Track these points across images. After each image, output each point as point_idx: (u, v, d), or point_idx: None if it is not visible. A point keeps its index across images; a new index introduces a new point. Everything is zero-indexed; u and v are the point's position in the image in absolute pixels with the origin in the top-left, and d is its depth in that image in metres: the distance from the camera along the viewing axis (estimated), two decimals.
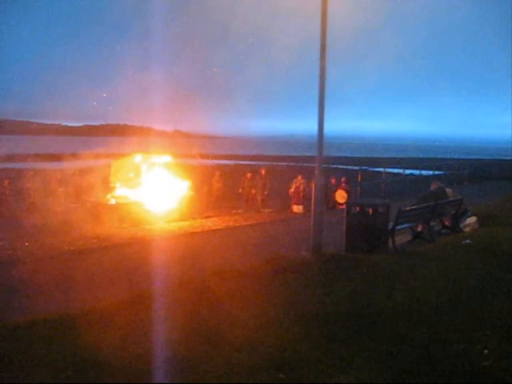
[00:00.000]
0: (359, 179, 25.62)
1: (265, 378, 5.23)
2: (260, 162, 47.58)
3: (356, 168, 33.71)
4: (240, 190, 23.83)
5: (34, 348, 6.01)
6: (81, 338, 6.30)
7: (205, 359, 5.65)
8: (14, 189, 22.28)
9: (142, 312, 7.15)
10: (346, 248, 11.85)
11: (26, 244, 13.86)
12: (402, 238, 13.35)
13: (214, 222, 18.69)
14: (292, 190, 23.46)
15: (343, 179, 24.01)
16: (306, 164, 47.16)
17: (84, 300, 8.22)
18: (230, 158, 71.08)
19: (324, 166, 12.21)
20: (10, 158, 45.72)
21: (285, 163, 55.63)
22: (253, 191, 23.56)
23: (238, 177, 25.55)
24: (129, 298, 7.82)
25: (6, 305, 8.28)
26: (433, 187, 15.35)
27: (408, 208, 13.07)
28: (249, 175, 24.04)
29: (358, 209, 11.97)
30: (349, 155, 77.77)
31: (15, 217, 19.24)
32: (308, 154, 70.07)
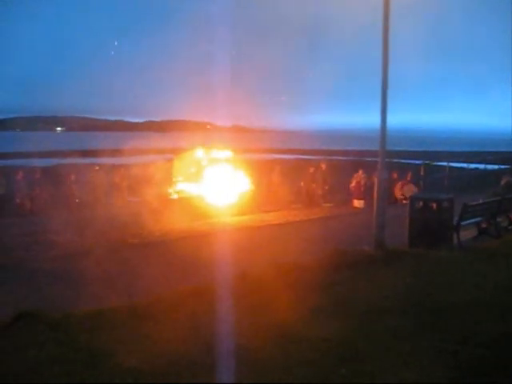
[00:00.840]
0: (422, 173, 25.11)
1: (325, 372, 5.20)
2: (320, 156, 47.23)
3: (418, 162, 33.07)
4: (301, 184, 23.76)
5: (99, 337, 6.17)
6: (144, 328, 6.43)
7: (265, 352, 5.67)
8: (79, 183, 22.89)
9: (204, 303, 7.23)
10: (409, 243, 11.66)
11: (90, 237, 14.23)
12: (466, 234, 13.02)
13: (273, 217, 18.70)
14: (353, 184, 23.24)
15: (409, 174, 23.60)
16: (366, 158, 46.63)
17: (148, 291, 8.37)
18: (290, 152, 70.98)
19: (386, 160, 12.04)
20: (74, 153, 47.05)
21: (345, 157, 55.15)
22: (313, 185, 23.46)
23: (297, 171, 25.50)
24: (191, 289, 7.93)
25: (73, 295, 8.53)
26: (503, 182, 14.92)
27: (473, 203, 12.74)
28: (311, 170, 23.96)
29: (421, 203, 11.75)
30: (410, 149, 76.32)
31: (80, 210, 19.81)
32: (368, 148, 69.31)
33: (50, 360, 5.55)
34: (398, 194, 22.75)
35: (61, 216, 18.06)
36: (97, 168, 24.03)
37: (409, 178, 23.36)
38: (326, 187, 23.70)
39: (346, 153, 67.68)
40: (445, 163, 29.79)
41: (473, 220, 12.86)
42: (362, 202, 22.39)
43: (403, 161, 45.96)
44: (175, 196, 20.85)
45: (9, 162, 48.87)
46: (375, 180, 11.94)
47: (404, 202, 21.35)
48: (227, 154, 23.27)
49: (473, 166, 33.16)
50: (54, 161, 47.21)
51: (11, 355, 5.73)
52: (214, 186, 21.16)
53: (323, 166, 24.37)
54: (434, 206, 11.58)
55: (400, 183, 22.96)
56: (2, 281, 9.69)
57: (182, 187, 21.50)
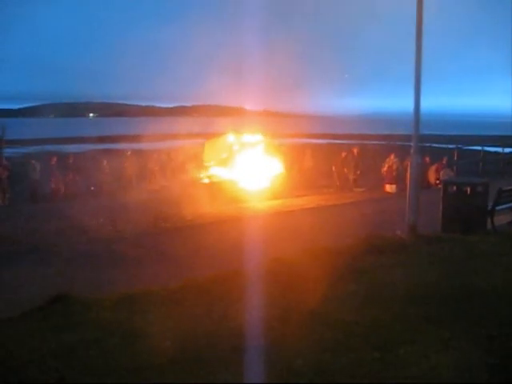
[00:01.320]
0: (455, 158, 24.76)
1: (360, 356, 5.19)
2: (351, 141, 46.97)
3: (451, 146, 32.59)
4: (333, 169, 23.67)
5: (134, 320, 6.25)
6: (178, 311, 6.49)
7: (299, 336, 5.67)
8: (113, 169, 23.13)
9: (236, 288, 7.26)
10: (442, 228, 11.52)
11: (123, 221, 14.40)
12: (501, 219, 12.81)
13: (305, 201, 18.68)
14: (385, 169, 23.07)
15: (445, 158, 23.30)
16: (398, 142, 46.12)
17: (181, 274, 8.45)
18: (322, 136, 70.62)
19: (419, 144, 11.89)
20: (105, 139, 47.46)
21: (377, 142, 54.63)
22: (345, 170, 23.34)
23: (329, 156, 25.38)
24: (224, 273, 7.97)
25: (109, 278, 8.66)
26: None
27: (509, 187, 12.52)
28: (343, 154, 23.85)
29: (455, 188, 11.59)
30: (443, 133, 75.30)
31: (112, 195, 20.04)
32: (401, 133, 68.56)
33: (86, 342, 5.64)
34: (431, 178, 22.50)
35: (93, 201, 18.34)
36: (129, 153, 24.21)
37: (444, 162, 23.06)
38: (358, 172, 23.55)
39: (377, 137, 67.03)
40: (479, 147, 29.32)
41: (508, 205, 12.64)
42: (393, 186, 22.22)
43: (435, 145, 45.34)
44: (207, 181, 20.93)
45: (42, 147, 49.62)
46: (408, 164, 11.81)
47: (439, 186, 21.12)
48: (259, 138, 23.23)
49: (508, 150, 32.54)
50: (87, 146, 47.82)
51: (48, 337, 5.83)
52: (245, 171, 21.18)
53: (355, 151, 24.21)
54: (468, 190, 11.41)
55: (435, 167, 22.70)
56: (38, 263, 9.88)
57: (213, 172, 21.56)
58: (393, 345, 5.45)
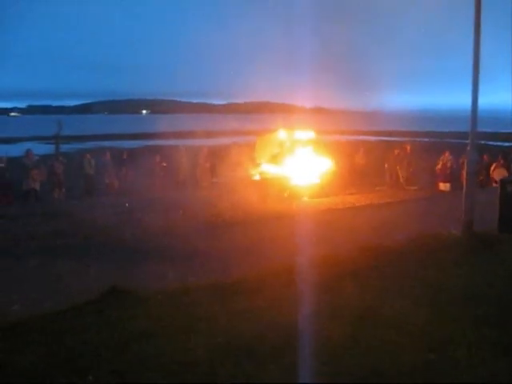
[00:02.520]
0: None
1: (414, 357, 5.09)
2: (404, 138, 46.22)
3: (507, 144, 31.71)
4: (386, 166, 23.37)
5: (186, 313, 6.30)
6: (229, 306, 6.51)
7: (351, 335, 5.61)
8: (165, 165, 23.39)
9: (287, 284, 7.24)
10: (499, 228, 11.20)
11: (176, 217, 14.54)
12: None
13: (356, 199, 18.47)
14: (439, 166, 22.61)
15: (500, 156, 22.65)
16: (452, 140, 45.19)
17: (231, 270, 8.48)
18: (374, 133, 69.80)
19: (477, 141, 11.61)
20: (159, 135, 48.01)
21: (430, 139, 53.63)
22: (397, 168, 23.00)
23: (381, 153, 25.04)
24: (275, 270, 7.96)
25: (162, 273, 8.75)
26: None
27: None
28: (396, 151, 23.52)
29: None
30: (501, 130, 73.38)
31: (165, 191, 20.28)
32: (455, 130, 67.03)
33: (138, 334, 5.72)
34: (494, 176, 21.90)
35: (147, 196, 18.60)
36: (182, 149, 24.43)
37: (501, 161, 22.43)
38: (411, 169, 23.15)
39: (431, 134, 65.88)
40: None
41: None
42: (448, 185, 21.76)
43: (491, 143, 44.22)
44: (258, 177, 20.94)
45: (97, 143, 50.68)
46: (464, 162, 11.53)
47: (494, 185, 20.57)
48: (310, 135, 23.09)
49: None
50: (140, 142, 48.56)
51: (101, 330, 5.94)
52: (296, 168, 21.09)
53: (408, 148, 23.81)
54: None
55: (494, 165, 22.10)
56: (97, 257, 10.08)
57: (264, 169, 21.56)
58: (448, 346, 5.33)
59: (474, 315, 6.14)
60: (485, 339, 5.48)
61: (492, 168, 21.93)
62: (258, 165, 21.86)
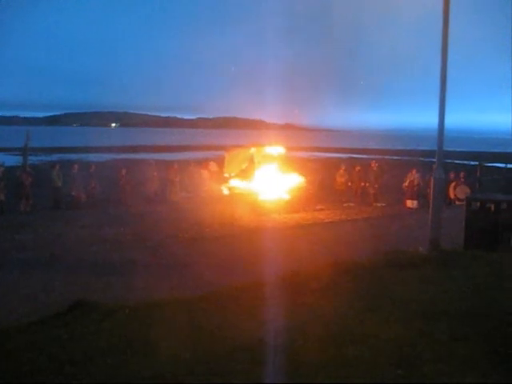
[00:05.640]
0: (478, 174, 24.48)
1: (383, 373, 5.08)
2: (371, 156, 46.73)
3: (473, 163, 32.27)
4: (349, 184, 23.60)
5: (151, 328, 6.21)
6: (196, 322, 6.43)
7: (319, 350, 5.58)
8: (133, 179, 23.20)
9: (256, 299, 7.20)
10: (465, 245, 11.36)
11: (142, 231, 14.42)
12: None
13: (325, 215, 18.57)
14: (406, 184, 22.88)
15: (462, 174, 23.06)
16: (422, 158, 45.84)
17: (198, 285, 8.41)
18: (343, 151, 70.40)
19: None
20: (127, 149, 47.71)
21: (398, 157, 54.33)
22: (366, 184, 23.22)
23: (348, 170, 25.24)
24: (244, 284, 7.91)
25: (129, 286, 8.64)
26: None
27: None
28: (357, 168, 23.80)
29: (478, 204, 11.44)
30: (465, 149, 74.67)
31: (133, 205, 20.12)
32: (422, 148, 68.10)
33: (103, 349, 5.61)
34: (451, 194, 22.27)
35: (114, 210, 18.40)
36: (152, 163, 24.27)
37: (462, 179, 22.83)
38: (376, 186, 23.38)
39: (399, 152, 66.75)
40: (502, 165, 29.00)
41: None
42: (415, 202, 22.01)
43: (457, 161, 44.96)
44: (227, 192, 20.93)
45: (65, 155, 50.09)
46: (431, 180, 11.69)
47: (457, 202, 20.90)
48: (279, 151, 23.20)
49: None
50: (109, 156, 48.16)
51: (66, 344, 5.81)
52: (265, 183, 21.14)
53: (374, 166, 24.05)
54: (492, 207, 11.25)
55: (453, 183, 22.47)
56: (63, 271, 9.92)
57: (234, 183, 21.56)
58: (416, 362, 5.33)
59: (440, 331, 6.17)
60: (453, 354, 5.50)
61: (452, 186, 22.29)
62: (226, 180, 21.86)
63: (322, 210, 20.01)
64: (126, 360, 5.34)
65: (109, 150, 59.39)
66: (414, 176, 22.84)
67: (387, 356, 5.43)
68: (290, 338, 5.84)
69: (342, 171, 24.18)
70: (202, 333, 6.04)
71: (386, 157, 49.18)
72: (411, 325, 6.34)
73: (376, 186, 23.33)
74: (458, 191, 21.82)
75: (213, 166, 23.98)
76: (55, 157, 49.17)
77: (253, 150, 22.85)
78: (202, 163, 25.04)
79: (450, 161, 41.48)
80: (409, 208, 21.79)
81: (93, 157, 45.42)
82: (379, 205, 22.37)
